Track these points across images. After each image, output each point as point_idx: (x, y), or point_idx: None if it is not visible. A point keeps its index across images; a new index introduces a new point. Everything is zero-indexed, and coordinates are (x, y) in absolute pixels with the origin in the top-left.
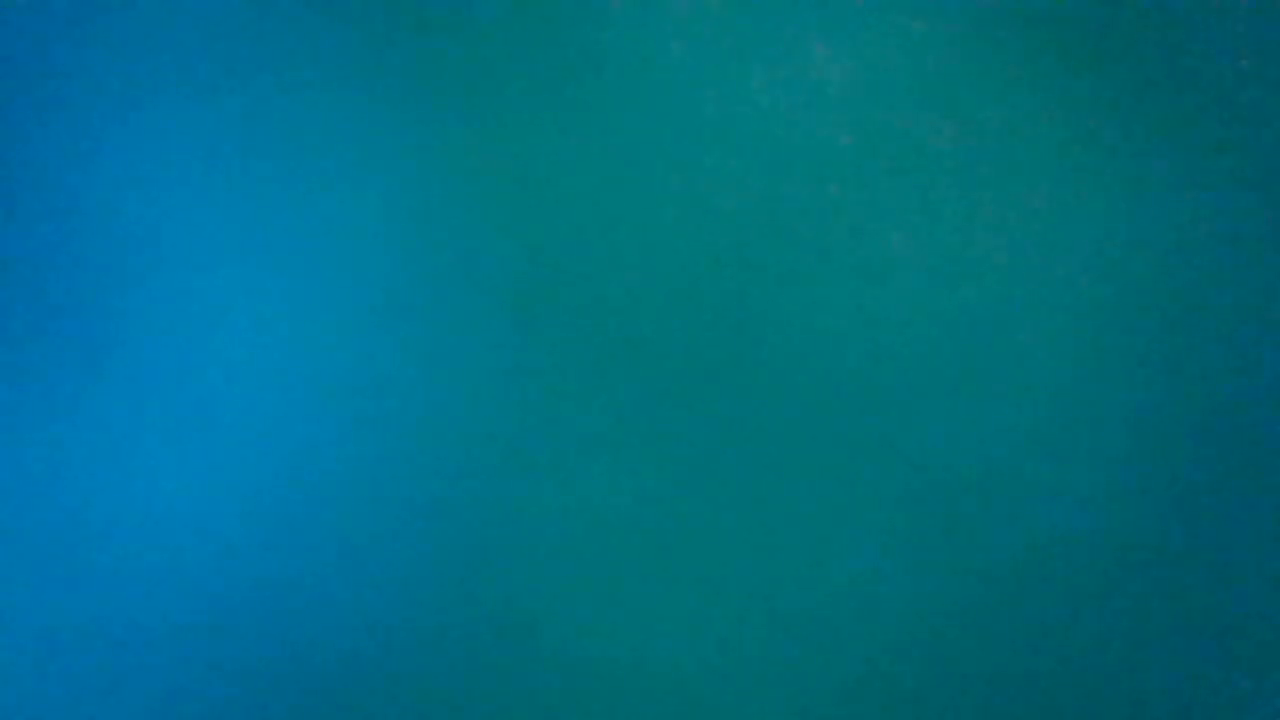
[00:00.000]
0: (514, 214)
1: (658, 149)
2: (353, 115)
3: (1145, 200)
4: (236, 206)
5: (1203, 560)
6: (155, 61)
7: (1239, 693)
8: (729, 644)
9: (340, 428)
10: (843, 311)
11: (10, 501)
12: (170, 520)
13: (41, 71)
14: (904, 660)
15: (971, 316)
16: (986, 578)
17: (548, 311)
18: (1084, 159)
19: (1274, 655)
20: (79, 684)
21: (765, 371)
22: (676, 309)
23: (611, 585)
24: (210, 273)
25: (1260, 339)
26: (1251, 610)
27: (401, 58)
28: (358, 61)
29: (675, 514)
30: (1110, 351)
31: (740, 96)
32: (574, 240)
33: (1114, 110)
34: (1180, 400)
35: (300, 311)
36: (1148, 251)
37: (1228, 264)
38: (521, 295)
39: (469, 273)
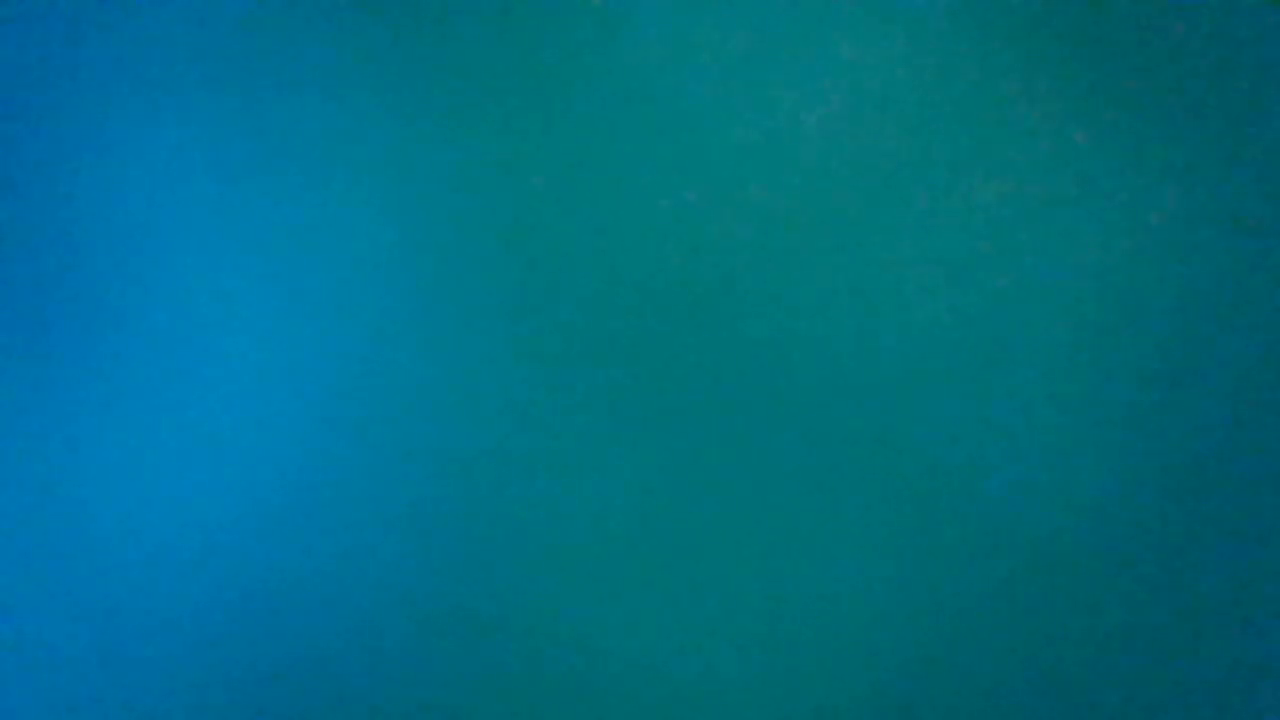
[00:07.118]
0: (514, 217)
1: (657, 152)
2: (352, 119)
3: (1146, 201)
4: (236, 208)
5: (1203, 559)
6: (157, 64)
7: (1239, 692)
8: (727, 641)
9: (339, 427)
10: (842, 312)
11: (10, 500)
12: (171, 517)
13: (42, 74)
14: (902, 658)
15: (971, 316)
16: (985, 575)
17: (547, 313)
18: (1085, 160)
19: (1274, 655)
20: (79, 680)
21: (764, 372)
22: (675, 310)
23: (609, 584)
24: (209, 274)
25: (1260, 338)
26: (1251, 610)
27: (401, 62)
28: (357, 66)
29: (674, 512)
30: (1110, 350)
31: (740, 98)
32: (573, 242)
33: (1115, 111)
34: (1180, 399)
35: (300, 311)
36: (1148, 251)
37: (1229, 263)
38: (521, 297)
39: (469, 273)
